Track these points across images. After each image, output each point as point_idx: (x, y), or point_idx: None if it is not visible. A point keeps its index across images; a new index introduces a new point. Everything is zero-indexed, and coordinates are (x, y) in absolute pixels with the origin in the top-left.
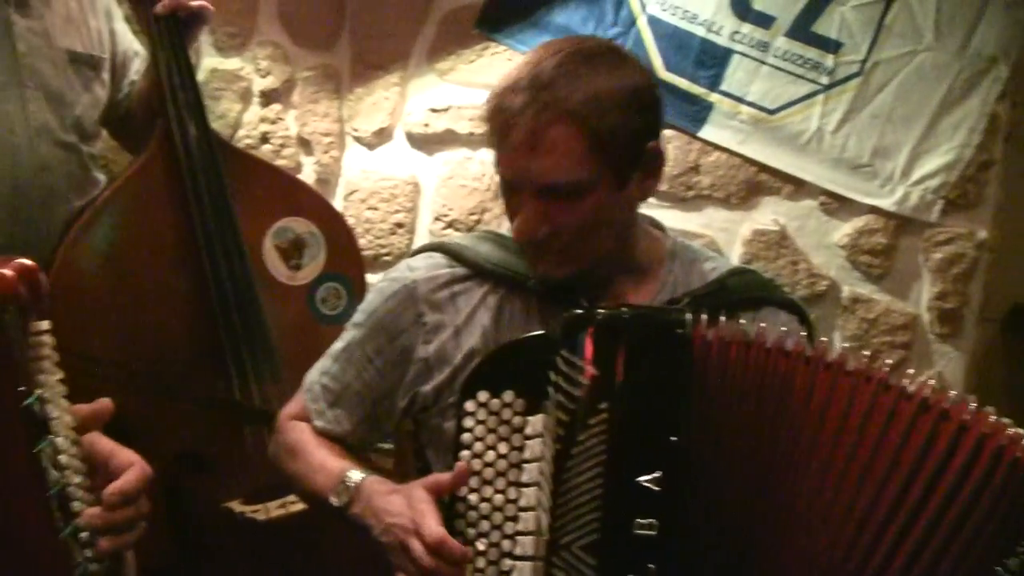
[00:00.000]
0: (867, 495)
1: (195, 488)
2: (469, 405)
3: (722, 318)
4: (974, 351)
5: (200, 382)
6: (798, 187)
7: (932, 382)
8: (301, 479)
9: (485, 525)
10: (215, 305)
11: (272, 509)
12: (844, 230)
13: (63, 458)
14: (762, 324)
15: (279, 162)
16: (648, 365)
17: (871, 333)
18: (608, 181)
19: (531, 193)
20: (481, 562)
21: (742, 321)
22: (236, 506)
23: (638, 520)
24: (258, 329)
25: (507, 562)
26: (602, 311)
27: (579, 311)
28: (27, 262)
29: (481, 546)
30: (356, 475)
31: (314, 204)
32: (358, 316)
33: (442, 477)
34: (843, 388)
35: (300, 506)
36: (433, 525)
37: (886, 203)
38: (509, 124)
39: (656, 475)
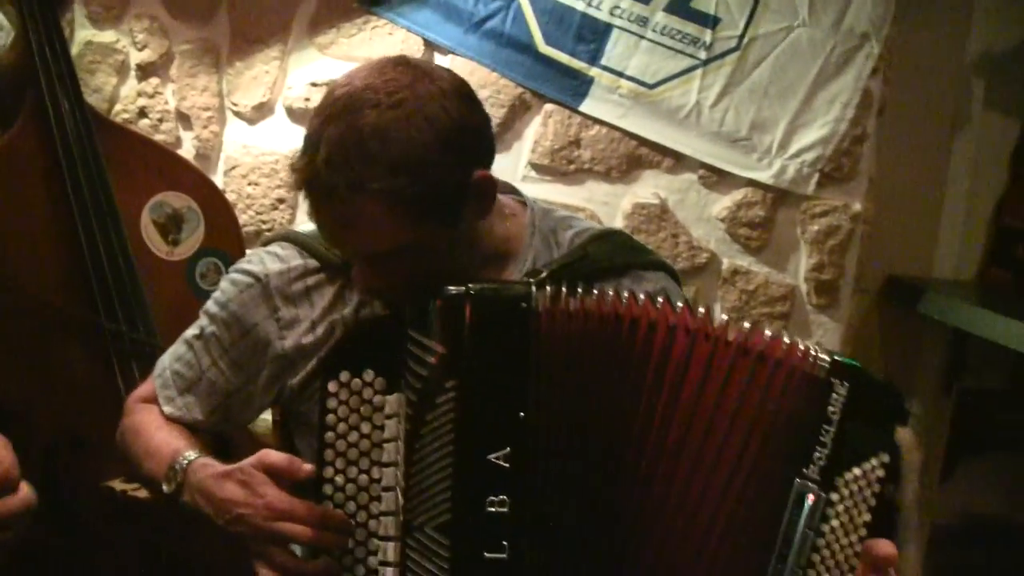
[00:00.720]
0: (710, 450)
1: (74, 469)
2: (331, 386)
3: (576, 288)
4: (850, 321)
5: (80, 361)
6: (678, 161)
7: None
8: (139, 461)
9: (352, 506)
10: (93, 283)
11: None
12: (723, 203)
13: None
14: (609, 292)
15: (158, 137)
16: (493, 341)
17: (751, 304)
18: (436, 229)
19: (357, 259)
20: (350, 543)
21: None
22: (117, 484)
23: (490, 498)
24: (138, 306)
25: (374, 542)
26: (450, 289)
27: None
28: None
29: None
30: (187, 457)
31: (191, 178)
32: (212, 306)
33: (273, 456)
34: (680, 347)
35: None
36: (303, 503)
37: (764, 176)
38: (317, 203)
39: (505, 452)
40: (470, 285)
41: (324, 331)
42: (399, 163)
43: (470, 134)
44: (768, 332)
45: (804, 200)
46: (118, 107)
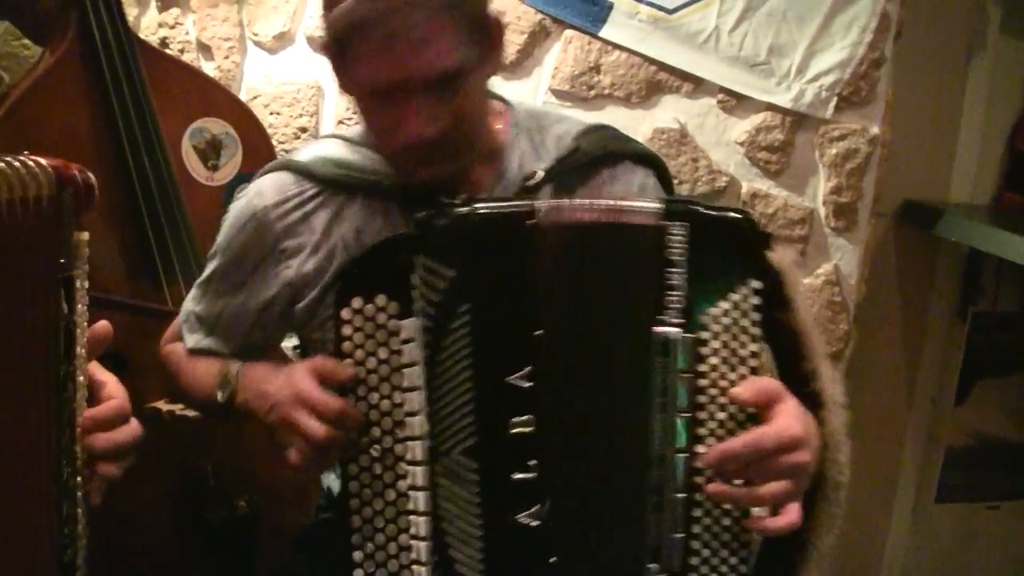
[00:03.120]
0: None
1: None
2: (344, 313)
3: (574, 196)
4: (868, 244)
5: (126, 281)
6: (697, 85)
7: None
8: (189, 391)
9: (376, 432)
10: (140, 203)
11: None
12: (742, 127)
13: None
14: (619, 192)
15: None
16: (502, 262)
17: (769, 227)
18: (476, 58)
19: (417, 92)
20: (378, 468)
21: (603, 189)
22: (163, 405)
23: (513, 419)
24: (183, 226)
25: (403, 466)
26: (453, 210)
27: (430, 212)
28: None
29: (375, 452)
30: (236, 366)
31: (229, 104)
32: (217, 246)
33: (322, 360)
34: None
35: None
36: (328, 396)
37: (782, 100)
38: (385, 26)
39: (525, 371)
40: (476, 204)
41: (325, 254)
42: None
43: None
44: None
45: (822, 124)
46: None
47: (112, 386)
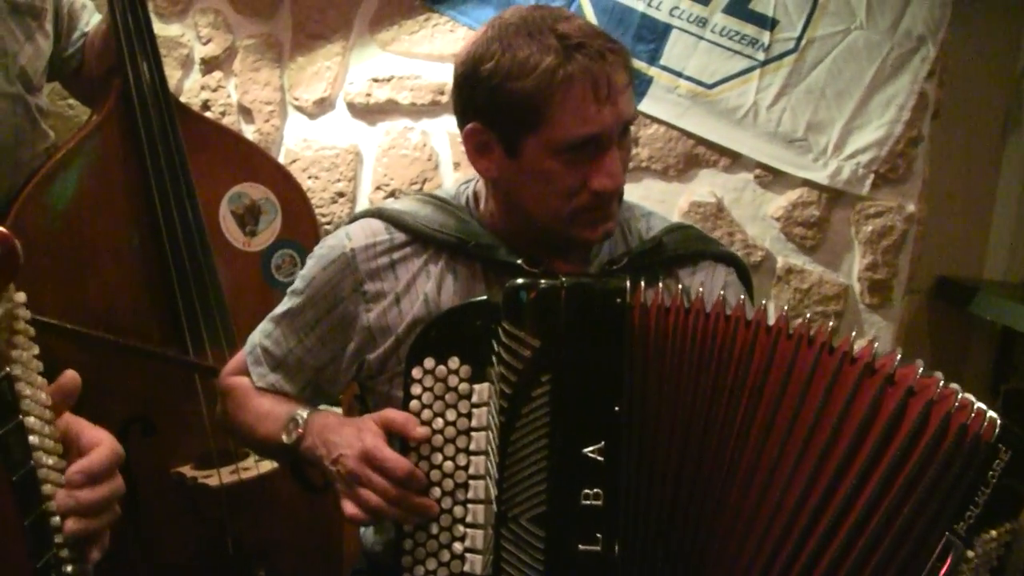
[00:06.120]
0: (811, 459)
1: (144, 453)
2: (416, 372)
3: (660, 283)
4: (902, 320)
5: (154, 344)
6: (734, 160)
7: (868, 343)
8: (251, 428)
9: (436, 492)
10: (170, 267)
11: (225, 475)
12: (779, 202)
13: (34, 439)
14: (700, 284)
15: None
16: (589, 336)
17: (804, 303)
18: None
19: (614, 141)
20: (435, 528)
21: (683, 281)
22: (187, 471)
23: (585, 491)
24: (213, 291)
25: (460, 528)
26: (543, 282)
27: (519, 281)
28: (2, 229)
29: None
30: (304, 412)
31: (270, 170)
32: (298, 283)
33: (394, 413)
34: (783, 352)
35: (254, 471)
36: (395, 456)
37: (819, 176)
38: (605, 75)
39: (600, 445)
40: (564, 279)
41: (406, 306)
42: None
43: None
44: (899, 356)
45: (859, 200)
46: (182, 100)
47: (95, 432)
